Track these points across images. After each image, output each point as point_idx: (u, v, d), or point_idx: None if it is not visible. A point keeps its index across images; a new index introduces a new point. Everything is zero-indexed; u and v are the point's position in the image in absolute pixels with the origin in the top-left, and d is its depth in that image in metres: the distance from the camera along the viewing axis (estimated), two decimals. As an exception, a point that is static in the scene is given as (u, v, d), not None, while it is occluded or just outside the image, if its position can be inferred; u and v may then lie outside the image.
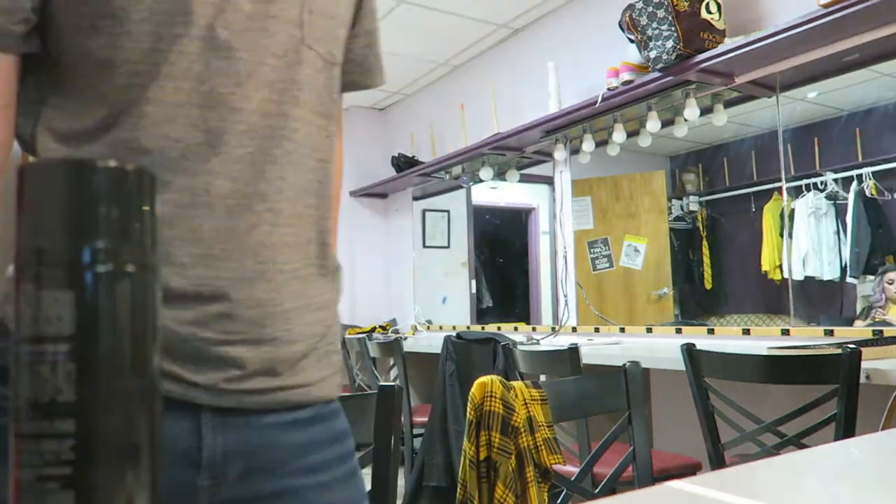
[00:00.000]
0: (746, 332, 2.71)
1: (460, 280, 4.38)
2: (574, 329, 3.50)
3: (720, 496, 0.51)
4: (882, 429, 1.41)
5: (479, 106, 4.02)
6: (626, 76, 2.84)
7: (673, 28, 2.54)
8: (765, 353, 1.69)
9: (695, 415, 1.81)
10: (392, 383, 1.13)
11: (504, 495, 1.13)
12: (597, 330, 3.38)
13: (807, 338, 2.45)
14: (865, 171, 2.81)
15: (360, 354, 3.42)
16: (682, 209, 3.59)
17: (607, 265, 3.57)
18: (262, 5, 0.66)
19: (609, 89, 2.91)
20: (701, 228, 3.52)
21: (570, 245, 3.60)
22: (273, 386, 0.66)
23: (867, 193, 2.80)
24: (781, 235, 2.97)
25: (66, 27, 0.63)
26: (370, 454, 1.11)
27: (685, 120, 2.88)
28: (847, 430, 1.53)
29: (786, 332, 2.56)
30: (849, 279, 2.82)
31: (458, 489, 1.20)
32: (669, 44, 2.56)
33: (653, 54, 2.63)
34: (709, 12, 2.56)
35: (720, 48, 2.48)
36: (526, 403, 1.20)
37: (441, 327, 4.34)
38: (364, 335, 3.66)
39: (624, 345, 2.89)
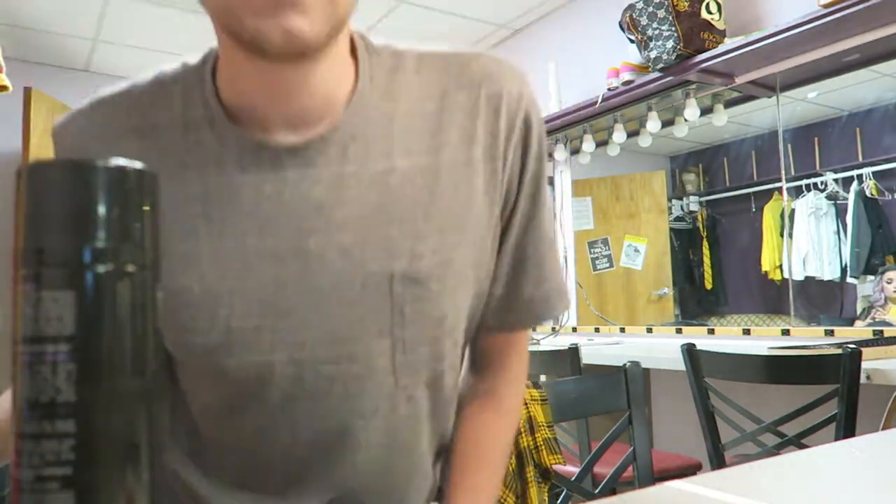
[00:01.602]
0: (747, 332, 2.71)
1: (460, 280, 4.38)
2: (574, 329, 3.50)
3: (720, 496, 0.51)
4: (882, 429, 1.42)
5: (479, 106, 4.02)
6: (626, 76, 2.84)
7: (673, 28, 2.54)
8: (765, 353, 1.69)
9: (695, 415, 1.81)
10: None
11: (504, 495, 1.13)
12: (597, 330, 3.38)
13: (807, 338, 2.45)
14: (865, 171, 2.81)
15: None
16: (682, 209, 3.59)
17: (607, 265, 3.57)
18: None
19: (609, 89, 2.91)
20: (701, 228, 3.52)
21: (571, 245, 3.60)
22: None
23: (867, 193, 2.79)
24: (781, 235, 2.97)
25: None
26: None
27: (685, 120, 2.88)
28: (847, 430, 1.53)
29: (786, 333, 2.56)
30: (849, 279, 2.82)
31: (459, 489, 1.20)
32: (670, 44, 2.56)
33: (653, 54, 2.63)
34: (709, 12, 2.56)
35: (720, 48, 2.48)
36: (526, 403, 1.20)
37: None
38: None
39: (624, 345, 2.89)
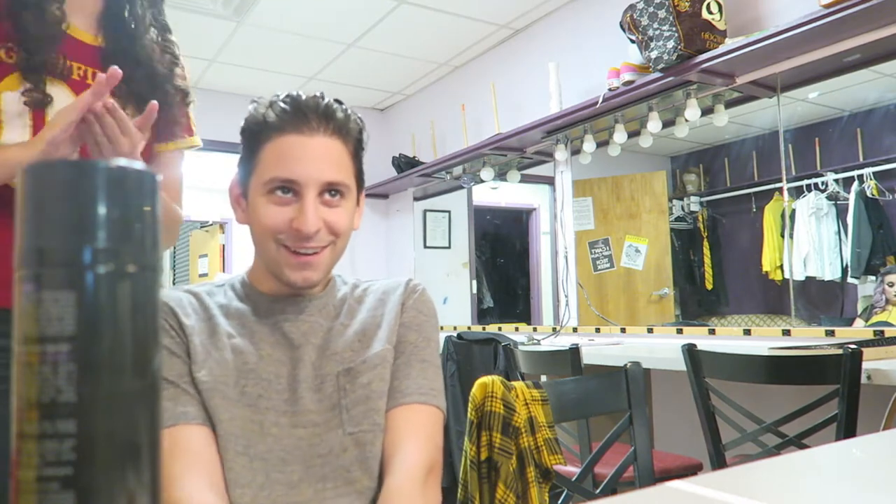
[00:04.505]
0: (747, 332, 2.71)
1: (461, 280, 4.38)
2: (575, 329, 3.49)
3: (721, 496, 0.51)
4: (883, 429, 1.41)
5: (480, 106, 4.02)
6: (627, 76, 2.84)
7: (674, 28, 2.54)
8: (766, 353, 1.69)
9: (696, 415, 1.81)
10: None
11: (505, 496, 1.13)
12: (598, 330, 3.38)
13: (808, 338, 2.45)
14: (866, 171, 2.81)
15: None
16: (682, 209, 3.59)
17: (608, 265, 3.57)
18: None
19: (610, 90, 2.91)
20: (702, 229, 3.52)
21: (571, 245, 3.60)
22: None
23: (868, 193, 2.79)
24: (782, 236, 2.97)
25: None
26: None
27: (686, 120, 2.88)
28: (848, 430, 1.53)
29: (787, 333, 2.56)
30: (850, 279, 2.82)
31: (459, 489, 1.20)
32: (670, 44, 2.56)
33: (654, 54, 2.63)
34: (710, 12, 2.56)
35: (721, 48, 2.48)
36: (527, 404, 1.20)
37: (442, 327, 4.33)
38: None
39: (625, 345, 2.89)
